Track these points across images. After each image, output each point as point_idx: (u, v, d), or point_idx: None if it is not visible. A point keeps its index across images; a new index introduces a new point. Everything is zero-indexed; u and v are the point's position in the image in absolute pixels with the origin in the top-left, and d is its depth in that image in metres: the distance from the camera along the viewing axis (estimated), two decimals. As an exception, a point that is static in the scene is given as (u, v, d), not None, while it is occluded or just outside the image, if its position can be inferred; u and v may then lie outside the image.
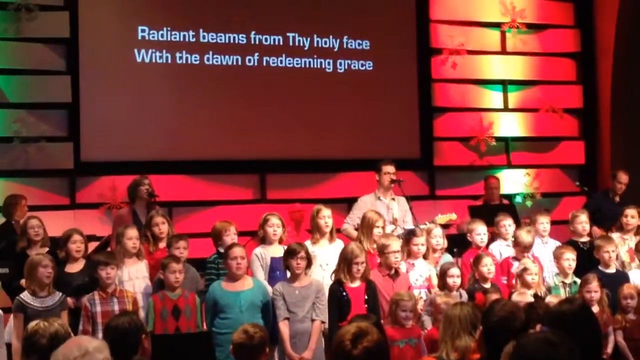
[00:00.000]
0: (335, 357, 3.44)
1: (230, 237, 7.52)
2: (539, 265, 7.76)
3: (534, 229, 8.33)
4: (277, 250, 7.38)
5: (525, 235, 8.05)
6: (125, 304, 6.74)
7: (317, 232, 7.78)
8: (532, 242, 8.06)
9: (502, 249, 8.25)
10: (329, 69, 10.86)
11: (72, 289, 7.08)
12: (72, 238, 7.29)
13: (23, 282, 7.10)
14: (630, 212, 8.88)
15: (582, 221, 8.63)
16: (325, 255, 7.57)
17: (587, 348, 3.52)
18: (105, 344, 3.30)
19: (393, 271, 7.21)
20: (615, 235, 8.63)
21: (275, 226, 7.57)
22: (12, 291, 7.45)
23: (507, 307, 3.78)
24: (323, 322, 6.86)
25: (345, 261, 6.89)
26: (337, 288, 6.87)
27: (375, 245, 7.56)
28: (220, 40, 10.36)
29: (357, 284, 6.90)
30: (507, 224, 8.39)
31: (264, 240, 7.61)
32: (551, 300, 6.80)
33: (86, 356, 3.18)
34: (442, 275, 7.27)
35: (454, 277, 7.22)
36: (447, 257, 8.00)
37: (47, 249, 7.57)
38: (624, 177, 10.03)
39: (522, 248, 8.01)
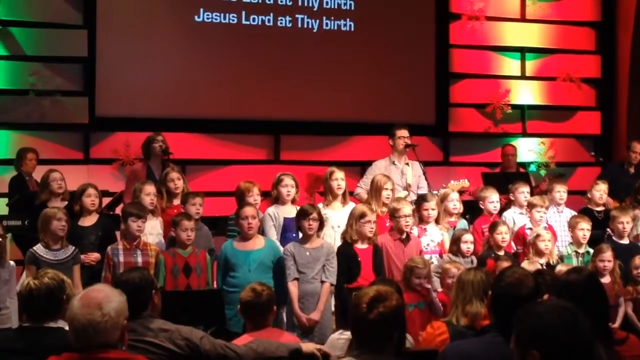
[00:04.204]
0: (351, 319, 3.45)
1: (254, 197, 7.50)
2: (553, 233, 7.74)
3: (548, 197, 8.30)
4: (290, 211, 7.36)
5: (538, 199, 8.04)
6: (149, 257, 6.79)
7: (329, 194, 7.77)
8: (543, 205, 7.98)
9: (516, 216, 8.21)
10: (347, 29, 10.78)
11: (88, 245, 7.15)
12: (87, 192, 7.34)
13: None
14: None
15: (601, 189, 8.61)
16: (337, 218, 7.55)
17: (594, 318, 3.51)
18: (125, 302, 3.30)
19: (404, 235, 7.20)
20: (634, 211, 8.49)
21: (289, 186, 7.55)
22: (26, 243, 7.48)
23: (517, 274, 3.76)
24: (332, 285, 6.86)
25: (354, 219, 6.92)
26: (347, 249, 6.88)
27: (384, 209, 7.57)
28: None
29: (365, 245, 6.92)
30: (524, 191, 8.36)
31: (277, 200, 7.61)
32: (561, 269, 6.78)
33: (109, 321, 3.20)
34: (456, 241, 7.24)
35: (468, 243, 7.19)
36: (463, 223, 7.97)
37: (66, 203, 7.62)
38: (638, 147, 9.91)
39: (532, 211, 7.94)
